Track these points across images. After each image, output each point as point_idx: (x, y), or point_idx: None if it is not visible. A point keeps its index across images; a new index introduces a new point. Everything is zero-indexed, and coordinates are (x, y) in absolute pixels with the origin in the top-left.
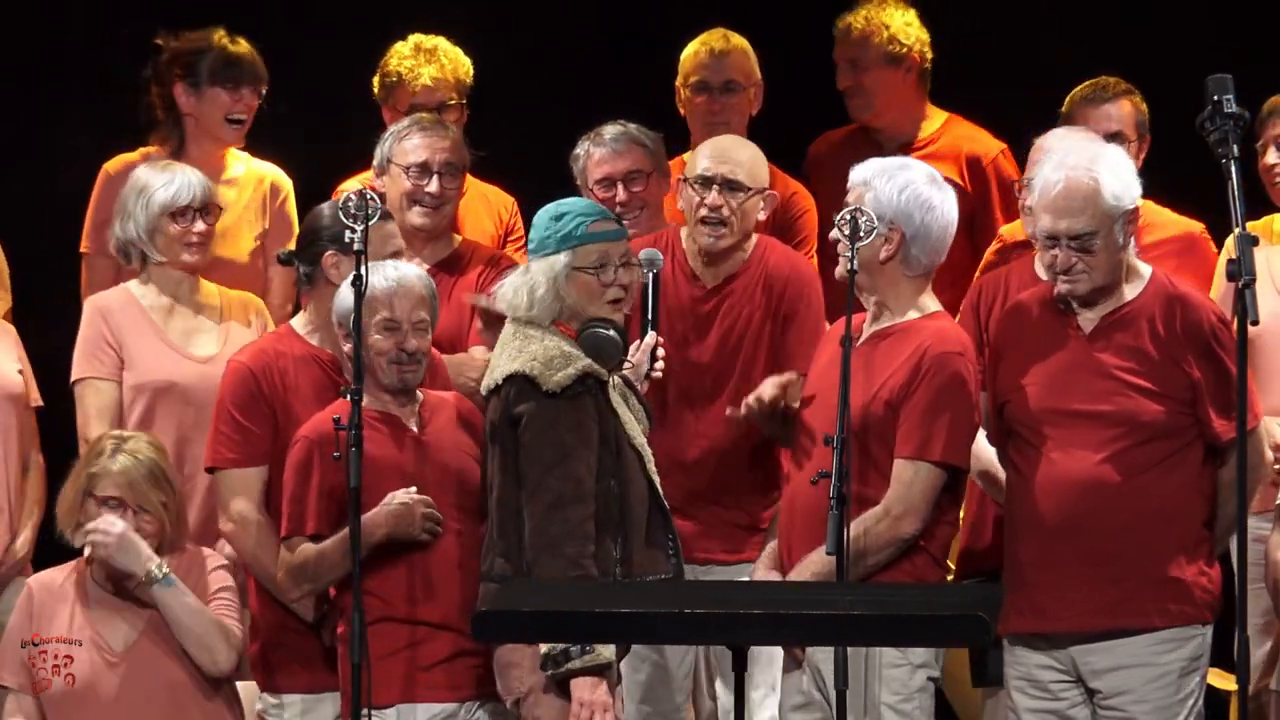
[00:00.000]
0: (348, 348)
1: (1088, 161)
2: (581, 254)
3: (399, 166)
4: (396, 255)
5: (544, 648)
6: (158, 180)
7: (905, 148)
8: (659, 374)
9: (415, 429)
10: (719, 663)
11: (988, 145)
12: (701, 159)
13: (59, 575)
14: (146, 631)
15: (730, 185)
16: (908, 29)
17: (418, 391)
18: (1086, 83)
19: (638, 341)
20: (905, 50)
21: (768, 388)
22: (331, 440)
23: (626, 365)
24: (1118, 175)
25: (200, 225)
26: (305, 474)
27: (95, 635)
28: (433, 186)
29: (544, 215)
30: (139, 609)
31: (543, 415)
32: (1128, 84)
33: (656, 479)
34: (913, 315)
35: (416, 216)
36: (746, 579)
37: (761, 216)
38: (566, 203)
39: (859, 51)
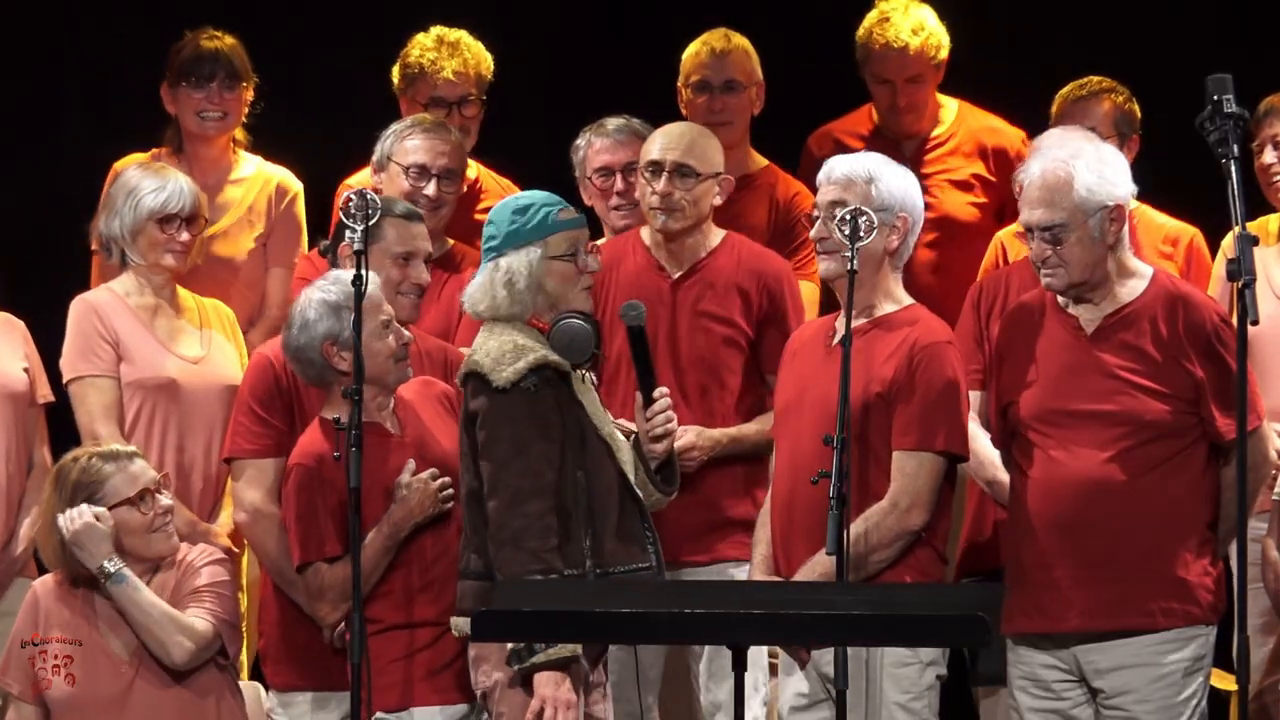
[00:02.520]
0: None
1: (1067, 155)
2: (555, 242)
3: (399, 165)
4: (414, 255)
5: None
6: (149, 184)
7: (923, 144)
8: (673, 425)
9: (396, 432)
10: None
11: (1010, 136)
12: (653, 146)
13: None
14: None
15: (681, 170)
16: (940, 30)
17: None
18: (1073, 82)
19: (639, 402)
20: (947, 53)
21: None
22: (322, 459)
23: (633, 427)
24: (1095, 170)
25: (185, 235)
26: (308, 499)
27: (101, 641)
28: (430, 190)
29: (504, 210)
30: None
31: (496, 411)
32: (1113, 83)
33: (628, 469)
34: (890, 308)
35: None
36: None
37: (717, 201)
38: (526, 195)
39: (922, 67)
